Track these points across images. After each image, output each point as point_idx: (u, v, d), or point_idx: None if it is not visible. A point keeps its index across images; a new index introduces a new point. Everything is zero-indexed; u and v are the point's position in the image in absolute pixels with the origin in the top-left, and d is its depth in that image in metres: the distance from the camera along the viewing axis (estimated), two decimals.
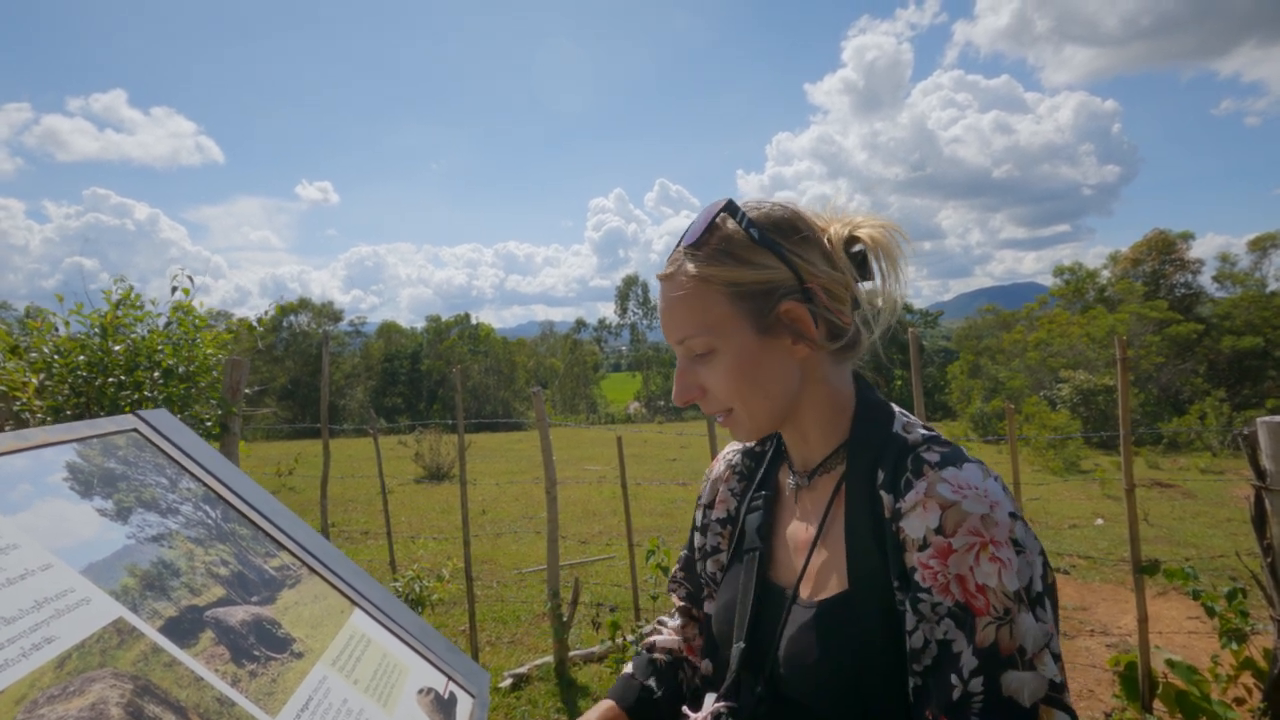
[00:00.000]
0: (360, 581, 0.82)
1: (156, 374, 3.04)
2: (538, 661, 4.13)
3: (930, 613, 0.65)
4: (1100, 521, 8.17)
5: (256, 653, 0.60)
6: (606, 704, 0.93)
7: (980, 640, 0.63)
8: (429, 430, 14.68)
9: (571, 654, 4.08)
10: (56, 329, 3.07)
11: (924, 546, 0.67)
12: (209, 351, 3.21)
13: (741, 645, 0.79)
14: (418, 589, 5.09)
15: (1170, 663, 2.59)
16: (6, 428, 2.78)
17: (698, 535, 0.98)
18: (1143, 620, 3.09)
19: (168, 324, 3.22)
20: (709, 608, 0.94)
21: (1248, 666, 2.57)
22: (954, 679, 0.63)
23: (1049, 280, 31.79)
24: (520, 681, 3.90)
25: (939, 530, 0.66)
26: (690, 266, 0.77)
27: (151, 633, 0.54)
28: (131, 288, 3.15)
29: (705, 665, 0.92)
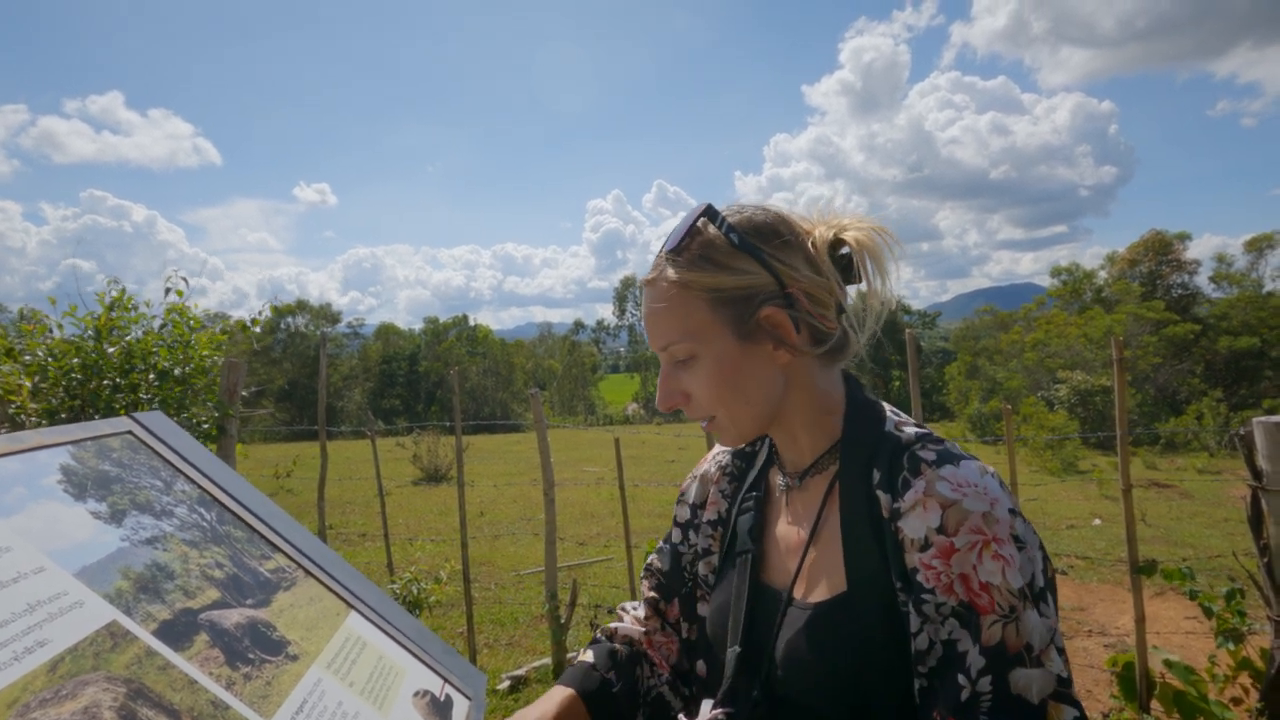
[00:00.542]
0: (356, 584, 0.82)
1: (152, 376, 3.03)
2: (536, 663, 4.13)
3: (934, 613, 0.65)
4: (1098, 522, 8.18)
5: (251, 655, 0.60)
6: (566, 692, 0.86)
7: (986, 639, 0.62)
8: (427, 432, 14.66)
9: (569, 656, 4.08)
10: (51, 331, 3.06)
11: (925, 546, 0.66)
12: (204, 353, 3.20)
13: (737, 649, 0.78)
14: (415, 591, 5.08)
15: (1168, 663, 2.59)
16: (1, 431, 2.77)
17: (692, 534, 0.96)
18: (1140, 620, 3.09)
19: (162, 326, 3.22)
20: (702, 610, 0.92)
21: (1245, 666, 2.57)
22: (961, 679, 0.63)
23: (1046, 281, 31.89)
24: (518, 683, 3.90)
25: (940, 529, 0.66)
26: (671, 272, 0.76)
27: (145, 636, 0.54)
28: (124, 289, 3.14)
29: (700, 666, 0.91)
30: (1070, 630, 4.61)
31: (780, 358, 0.77)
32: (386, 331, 50.82)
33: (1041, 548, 0.67)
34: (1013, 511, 0.66)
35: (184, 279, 3.28)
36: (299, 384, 38.91)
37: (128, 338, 3.09)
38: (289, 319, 43.08)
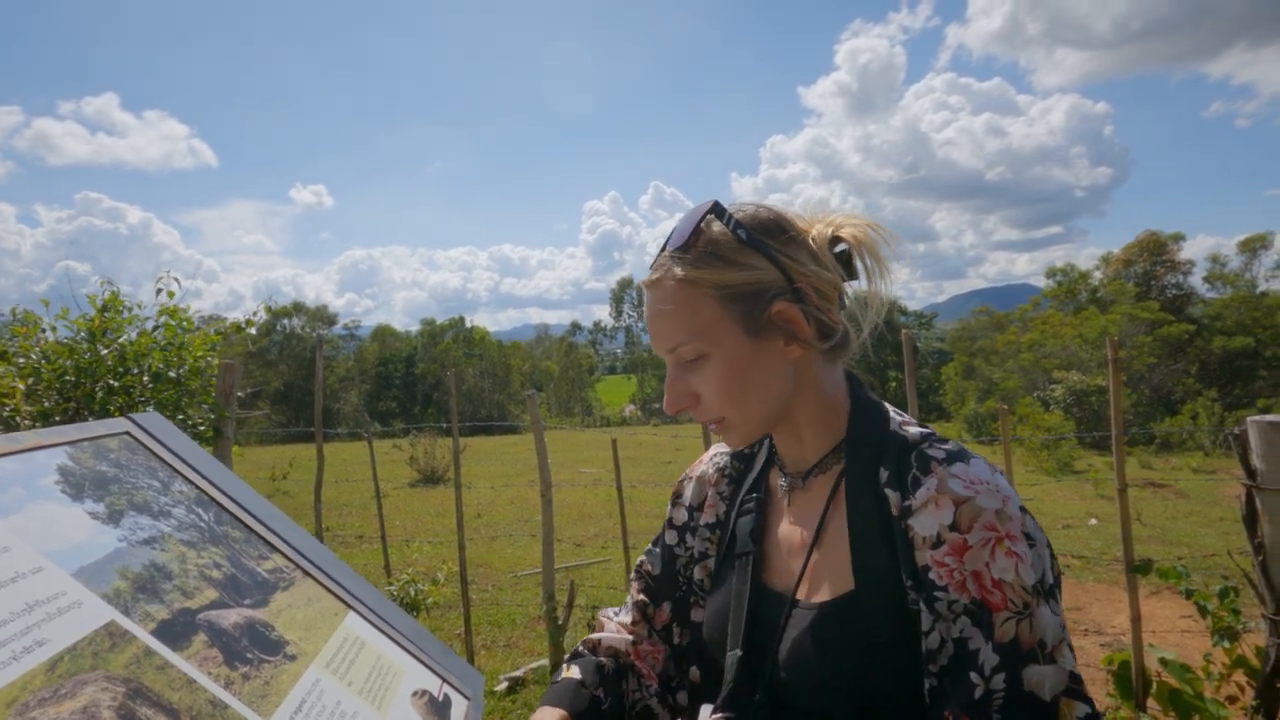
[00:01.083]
0: (354, 584, 0.82)
1: (146, 378, 3.02)
2: (533, 665, 4.13)
3: (946, 611, 0.64)
4: (1094, 521, 8.20)
5: (249, 655, 0.60)
6: (557, 713, 0.83)
7: (1000, 636, 0.62)
8: (423, 434, 14.64)
9: (566, 658, 4.07)
10: (44, 333, 3.05)
11: (938, 544, 0.66)
12: (199, 355, 3.19)
13: (738, 652, 0.77)
14: (412, 593, 5.07)
15: (1164, 661, 2.60)
16: None
17: (688, 537, 0.94)
18: (1136, 619, 3.10)
19: (155, 327, 3.21)
20: (696, 615, 0.90)
21: (1240, 665, 2.58)
22: (974, 677, 0.62)
23: (1042, 282, 32.02)
24: (516, 685, 3.89)
25: (953, 527, 0.65)
26: (677, 270, 0.75)
27: (144, 635, 0.54)
28: (117, 291, 3.13)
29: (694, 672, 0.89)
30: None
31: (791, 353, 0.76)
32: (383, 333, 50.75)
33: (1049, 545, 0.67)
34: (1023, 509, 0.66)
35: (176, 279, 3.27)
36: (295, 386, 38.81)
37: (121, 339, 3.08)
38: (285, 321, 42.99)
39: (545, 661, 4.08)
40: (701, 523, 0.92)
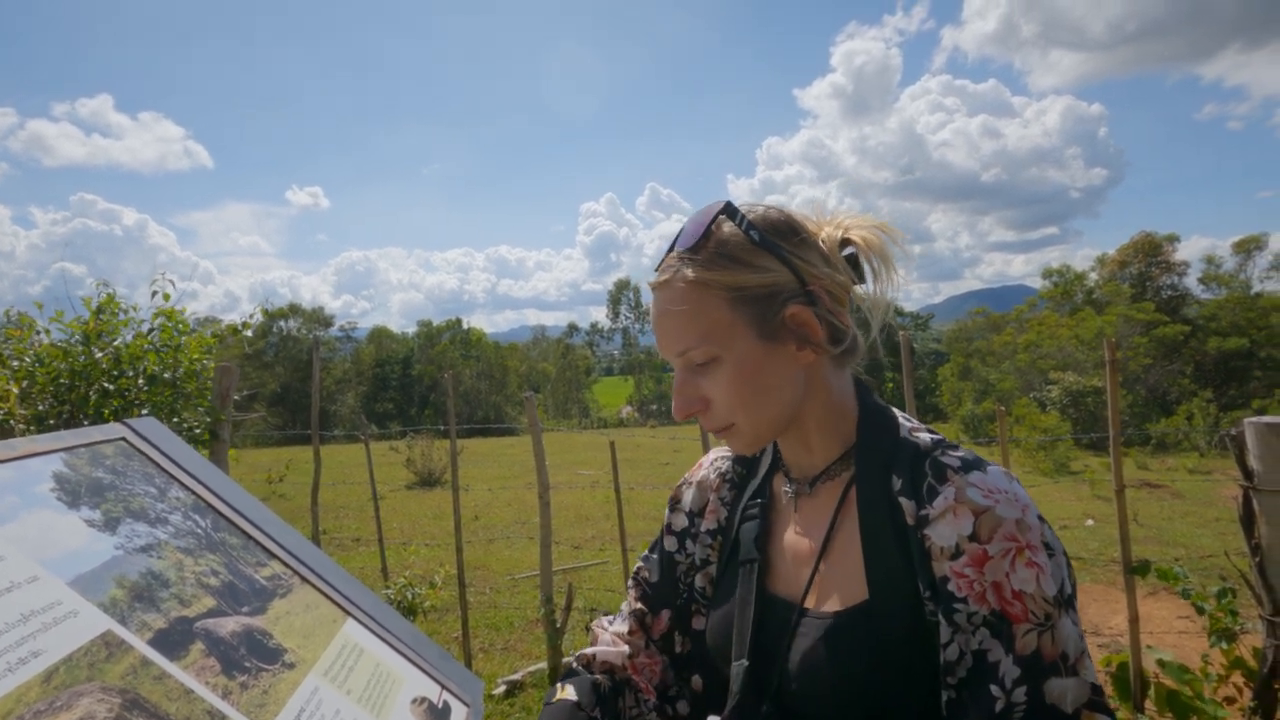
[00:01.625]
0: (352, 590, 0.81)
1: (141, 381, 3.01)
2: (531, 668, 4.12)
3: (965, 623, 0.63)
4: (1090, 522, 8.22)
5: (247, 664, 0.59)
6: None
7: (1020, 648, 0.61)
8: (420, 436, 14.61)
9: (565, 660, 4.07)
10: (39, 336, 3.03)
11: (957, 554, 0.64)
12: (194, 357, 3.18)
13: (745, 662, 0.75)
14: (410, 596, 5.06)
15: (1161, 662, 2.60)
16: None
17: (689, 543, 0.91)
18: (1133, 620, 3.11)
19: (150, 330, 3.19)
20: (698, 623, 0.88)
21: (1238, 666, 2.59)
22: (994, 690, 0.61)
23: (1038, 283, 32.11)
24: (514, 688, 3.88)
25: (973, 537, 0.64)
26: (688, 271, 0.73)
27: (140, 645, 0.53)
28: (112, 293, 3.12)
29: (696, 681, 0.87)
30: None
31: (804, 358, 0.74)
32: (380, 335, 50.68)
33: (1065, 554, 0.66)
34: (1041, 518, 0.65)
35: (171, 281, 3.26)
36: (291, 388, 38.71)
37: (116, 342, 3.07)
38: (281, 323, 42.90)
39: (543, 665, 4.07)
40: (702, 529, 0.90)
